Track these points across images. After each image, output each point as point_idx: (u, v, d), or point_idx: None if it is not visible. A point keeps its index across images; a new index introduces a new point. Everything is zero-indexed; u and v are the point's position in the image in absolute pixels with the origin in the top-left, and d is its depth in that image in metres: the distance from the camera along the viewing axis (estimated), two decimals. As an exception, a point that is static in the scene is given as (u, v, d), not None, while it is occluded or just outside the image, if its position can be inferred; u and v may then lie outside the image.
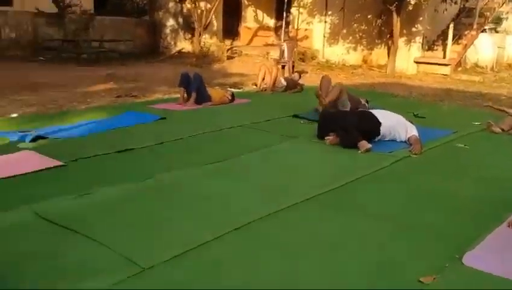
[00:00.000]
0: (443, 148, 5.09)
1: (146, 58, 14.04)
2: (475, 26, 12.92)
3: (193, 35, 15.15)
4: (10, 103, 6.64)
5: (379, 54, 13.56)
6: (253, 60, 13.58)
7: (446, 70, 12.29)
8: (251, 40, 16.19)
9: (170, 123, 5.69)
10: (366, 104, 6.73)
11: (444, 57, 12.55)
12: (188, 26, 15.51)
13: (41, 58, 12.71)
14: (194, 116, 6.20)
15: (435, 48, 13.15)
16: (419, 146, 4.77)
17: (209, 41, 14.54)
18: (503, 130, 5.85)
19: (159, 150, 4.61)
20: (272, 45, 15.60)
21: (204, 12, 13.88)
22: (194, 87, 6.82)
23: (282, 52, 10.75)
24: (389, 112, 5.20)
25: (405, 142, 4.99)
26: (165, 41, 16.06)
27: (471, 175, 4.23)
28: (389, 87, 9.92)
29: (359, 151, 4.60)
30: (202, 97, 6.87)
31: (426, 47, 13.04)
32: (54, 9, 13.67)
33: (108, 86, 8.77)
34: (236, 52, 14.39)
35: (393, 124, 4.97)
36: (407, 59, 12.78)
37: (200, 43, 13.80)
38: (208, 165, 4.11)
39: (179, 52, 15.15)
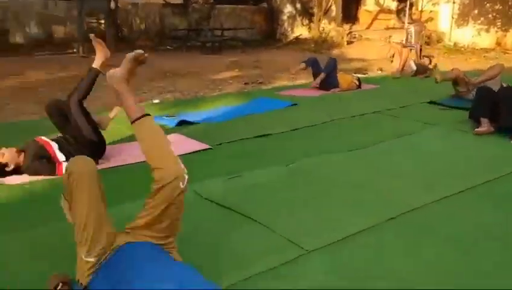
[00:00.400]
0: None
1: (264, 46, 14.26)
2: None
3: (311, 21, 15.08)
4: (150, 89, 7.11)
5: (515, 36, 12.43)
6: (374, 44, 13.17)
7: None
8: (371, 24, 15.71)
9: (302, 109, 5.70)
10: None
11: None
12: (305, 12, 15.45)
13: (169, 47, 13.46)
14: (324, 102, 6.16)
15: None
16: None
17: (328, 27, 14.36)
18: None
19: (295, 136, 4.64)
20: (394, 28, 15.00)
21: (325, -3, 13.72)
22: (328, 70, 6.78)
23: (408, 36, 10.25)
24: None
25: None
26: (282, 27, 16.17)
27: None
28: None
29: (512, 141, 4.23)
30: (331, 83, 6.80)
31: None
32: (178, 0, 14.41)
33: (234, 74, 9.04)
34: (355, 37, 14.06)
35: None
36: (549, 40, 11.57)
37: (319, 29, 13.66)
38: (348, 152, 4.04)
39: (296, 38, 15.17)
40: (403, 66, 8.13)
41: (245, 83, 7.83)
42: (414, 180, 3.43)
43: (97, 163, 3.67)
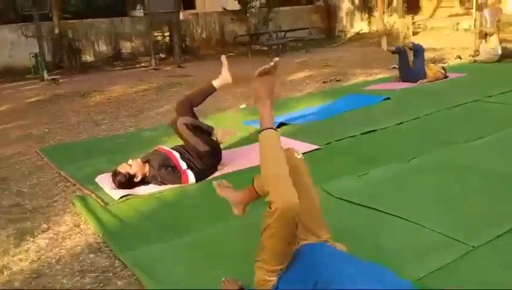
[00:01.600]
0: None
1: (325, 44, 14.10)
2: None
3: (370, 15, 14.81)
4: (232, 95, 7.15)
5: None
6: (440, 32, 12.73)
7: None
8: (434, 12, 15.20)
9: (397, 103, 5.55)
10: None
11: None
12: (364, 7, 15.20)
13: (231, 54, 13.56)
14: (417, 94, 5.98)
15: None
16: None
17: (390, 19, 14.01)
18: None
19: (402, 130, 4.50)
20: (457, 15, 14.46)
21: (387, -11, 13.41)
22: (418, 54, 6.61)
23: (482, 21, 9.81)
24: None
25: None
26: (340, 24, 15.98)
27: None
28: None
29: None
30: (418, 73, 6.59)
31: None
32: (236, 7, 14.53)
33: (307, 74, 8.97)
34: (420, 27, 13.63)
35: None
36: None
37: (383, 21, 13.35)
38: (471, 142, 3.86)
39: (357, 33, 14.92)
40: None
41: (323, 82, 7.74)
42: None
43: (216, 169, 3.70)
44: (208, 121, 4.42)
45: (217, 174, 3.64)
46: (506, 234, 2.38)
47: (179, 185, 3.45)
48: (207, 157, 3.63)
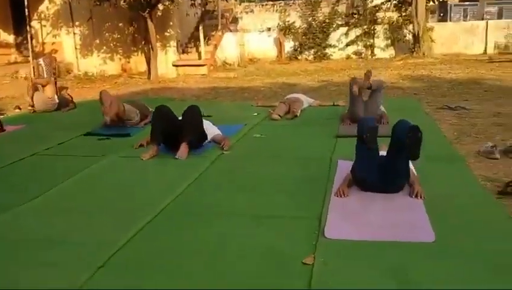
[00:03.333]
0: (245, 141, 5.47)
1: None
2: (220, 27, 14.12)
3: None
4: None
5: (137, 61, 13.62)
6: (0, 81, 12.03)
7: (204, 70, 13.10)
8: (-12, 59, 14.26)
9: None
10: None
11: (199, 58, 13.36)
12: None
13: None
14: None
15: (189, 50, 13.88)
16: (228, 141, 5.06)
17: None
18: (280, 116, 6.62)
19: None
20: (16, 62, 14.12)
21: None
22: None
23: (39, 69, 9.81)
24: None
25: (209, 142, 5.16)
26: None
27: (284, 158, 4.70)
28: (161, 93, 10.08)
29: (178, 157, 4.60)
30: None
31: (181, 50, 13.64)
32: None
33: None
34: (-26, 75, 12.48)
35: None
36: (165, 63, 13.14)
37: None
38: (30, 202, 3.58)
39: None
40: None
41: None
42: (111, 216, 3.33)
43: None
44: None
45: None
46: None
47: None
48: None
